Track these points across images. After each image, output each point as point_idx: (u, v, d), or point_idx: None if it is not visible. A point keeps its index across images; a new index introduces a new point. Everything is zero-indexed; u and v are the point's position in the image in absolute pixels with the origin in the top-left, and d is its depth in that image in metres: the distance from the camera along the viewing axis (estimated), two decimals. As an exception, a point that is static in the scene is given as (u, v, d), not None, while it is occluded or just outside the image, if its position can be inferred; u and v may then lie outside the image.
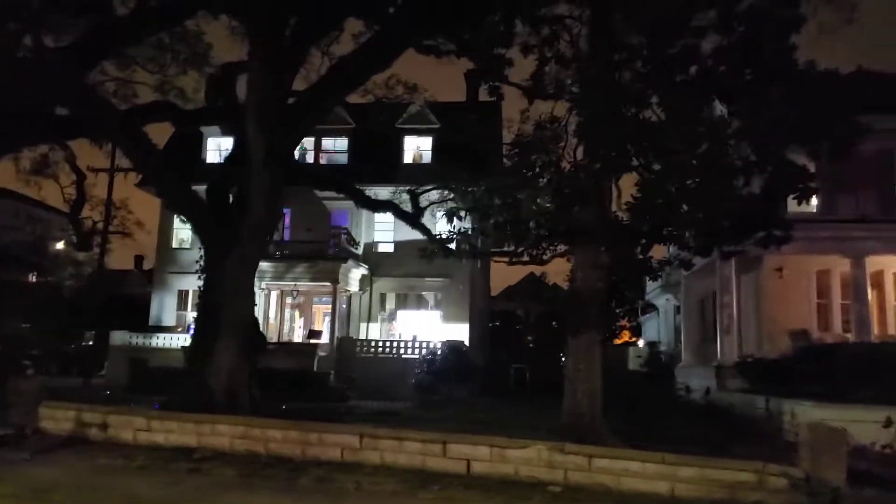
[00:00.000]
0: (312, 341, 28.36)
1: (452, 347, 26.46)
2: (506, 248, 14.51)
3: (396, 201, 25.03)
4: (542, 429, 13.27)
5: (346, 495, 9.30)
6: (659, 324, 34.57)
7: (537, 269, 58.61)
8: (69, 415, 13.41)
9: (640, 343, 43.50)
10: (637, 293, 52.74)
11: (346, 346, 29.04)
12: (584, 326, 12.33)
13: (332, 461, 11.07)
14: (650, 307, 38.25)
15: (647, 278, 35.14)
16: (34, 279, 38.40)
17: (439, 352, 26.39)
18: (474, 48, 18.11)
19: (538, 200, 11.19)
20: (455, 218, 13.99)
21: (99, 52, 19.60)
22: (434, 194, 26.23)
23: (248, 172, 15.43)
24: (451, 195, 26.06)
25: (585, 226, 11.93)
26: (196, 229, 16.28)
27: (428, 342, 27.81)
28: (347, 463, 10.95)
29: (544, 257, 13.76)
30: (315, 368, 26.35)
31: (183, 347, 27.97)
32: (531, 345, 49.24)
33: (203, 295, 16.09)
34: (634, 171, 12.17)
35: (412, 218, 24.54)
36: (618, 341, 55.18)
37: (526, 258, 14.03)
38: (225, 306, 15.10)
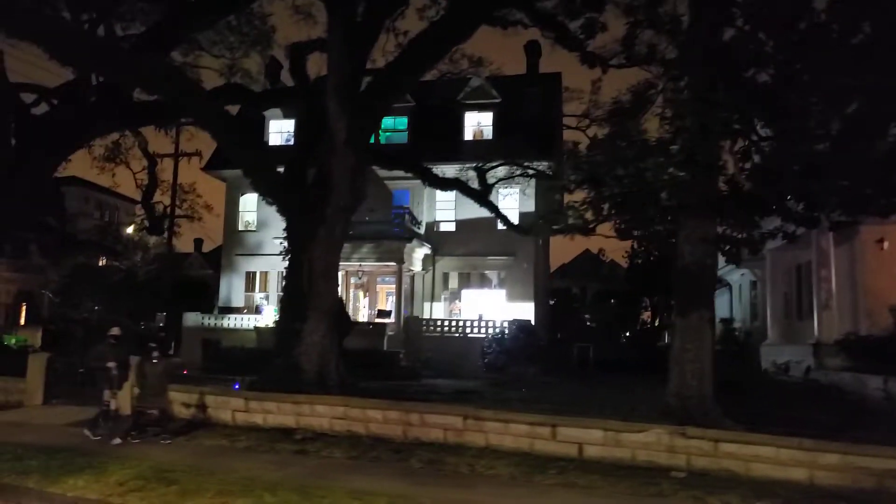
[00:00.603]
0: (381, 321, 28.20)
1: (521, 326, 25.98)
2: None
3: (463, 179, 24.52)
4: (639, 410, 12.79)
5: (462, 478, 8.98)
6: (732, 300, 33.49)
7: (594, 246, 57.77)
8: (169, 395, 13.37)
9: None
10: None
11: (412, 325, 28.82)
12: (692, 304, 11.75)
13: (435, 442, 10.78)
14: (719, 283, 37.15)
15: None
16: (104, 263, 39.08)
17: (507, 331, 25.93)
18: (552, 14, 17.51)
19: (670, 169, 10.56)
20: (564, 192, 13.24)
21: (173, 38, 19.55)
22: (501, 170, 25.74)
23: (330, 153, 15.12)
24: (519, 171, 25.74)
25: (709, 196, 11.29)
26: (281, 212, 16.01)
27: (494, 321, 27.38)
28: (450, 445, 10.65)
29: (658, 228, 13.01)
30: (385, 347, 26.19)
31: (256, 328, 28.23)
32: (588, 323, 48.49)
33: (288, 277, 15.91)
34: (748, 138, 11.45)
35: (480, 195, 24.07)
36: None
37: (640, 232, 13.39)
38: (312, 288, 14.89)
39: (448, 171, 26.53)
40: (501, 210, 30.15)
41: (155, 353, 11.67)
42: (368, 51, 16.47)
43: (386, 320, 27.96)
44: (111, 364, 11.76)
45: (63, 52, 15.71)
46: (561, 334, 32.59)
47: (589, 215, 12.59)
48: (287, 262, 16.39)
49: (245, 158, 16.29)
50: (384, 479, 8.84)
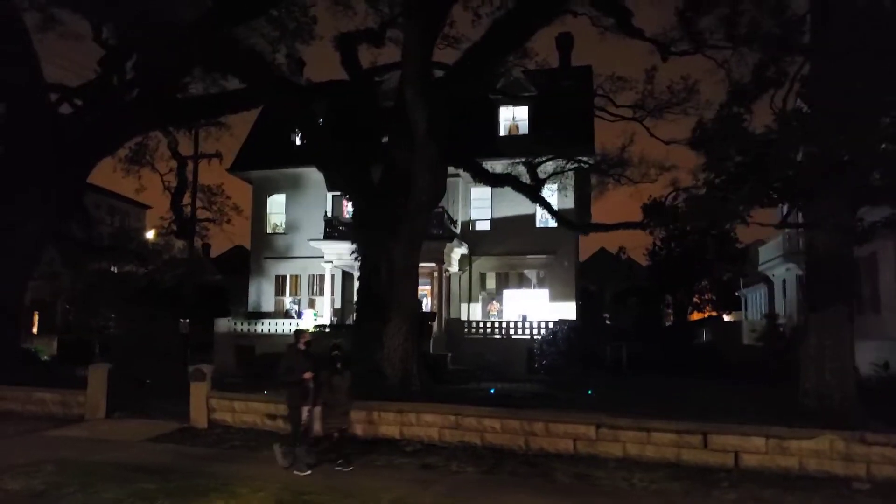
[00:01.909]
0: (428, 323, 27.22)
1: (573, 327, 25.06)
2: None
3: (515, 174, 23.60)
4: (749, 411, 11.90)
5: (626, 495, 8.05)
6: (773, 295, 32.62)
7: (610, 245, 57.01)
8: (250, 406, 12.46)
9: (742, 318, 41.72)
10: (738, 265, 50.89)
11: (453, 327, 27.89)
12: (830, 298, 10.87)
13: (563, 454, 9.86)
14: (758, 279, 36.39)
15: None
16: (123, 269, 37.98)
17: (558, 332, 24.99)
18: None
19: (883, 146, 9.65)
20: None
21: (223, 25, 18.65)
22: (549, 165, 24.81)
23: (408, 146, 14.21)
24: (572, 165, 24.84)
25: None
26: (360, 208, 15.02)
27: (538, 322, 26.44)
28: (582, 456, 9.73)
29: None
30: (431, 350, 25.23)
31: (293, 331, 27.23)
32: (608, 322, 47.70)
33: (363, 277, 14.96)
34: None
35: (533, 191, 23.14)
36: (698, 316, 53.45)
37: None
38: (393, 288, 13.98)
39: (498, 166, 25.64)
40: (539, 209, 29.44)
41: (339, 364, 10.03)
42: (436, 39, 15.56)
43: (431, 323, 26.96)
44: (307, 376, 9.74)
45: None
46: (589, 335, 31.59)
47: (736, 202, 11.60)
48: (360, 263, 15.45)
49: (329, 152, 15.26)
50: (538, 497, 7.92)
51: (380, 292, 14.17)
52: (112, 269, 40.77)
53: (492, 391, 16.74)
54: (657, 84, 23.26)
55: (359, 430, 11.36)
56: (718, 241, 50.17)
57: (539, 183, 23.55)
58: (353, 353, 14.97)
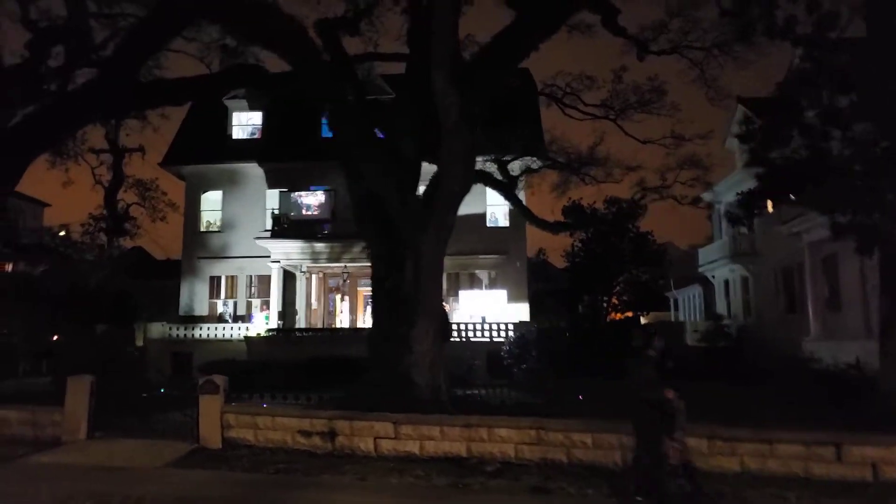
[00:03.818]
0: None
1: (541, 330, 24.29)
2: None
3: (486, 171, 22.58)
4: (769, 417, 11.38)
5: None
6: (714, 296, 33.15)
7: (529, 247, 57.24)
8: (278, 423, 10.78)
9: (672, 319, 42.45)
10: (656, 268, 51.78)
11: (411, 330, 26.54)
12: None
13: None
14: (691, 280, 37.05)
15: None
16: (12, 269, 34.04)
17: (525, 334, 24.10)
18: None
19: None
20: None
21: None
22: (515, 164, 24.01)
23: (435, 135, 12.92)
24: (543, 162, 24.13)
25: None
26: (388, 203, 13.37)
27: (499, 324, 25.48)
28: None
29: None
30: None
31: (247, 338, 25.06)
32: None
33: (382, 278, 13.40)
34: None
35: (506, 189, 22.25)
36: (616, 317, 54.33)
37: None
38: (419, 288, 12.60)
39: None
40: (489, 208, 28.66)
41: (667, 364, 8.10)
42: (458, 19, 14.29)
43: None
44: (672, 395, 7.52)
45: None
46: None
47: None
48: (373, 261, 13.92)
49: (358, 137, 13.61)
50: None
51: (401, 292, 12.75)
52: (6, 268, 36.65)
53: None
54: (624, 85, 23.15)
55: (413, 448, 9.99)
56: (636, 242, 51.42)
57: (512, 180, 22.73)
58: (372, 359, 13.54)
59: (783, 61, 24.62)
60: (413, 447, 9.97)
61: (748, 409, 12.53)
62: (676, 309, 42.64)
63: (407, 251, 12.79)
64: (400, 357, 12.44)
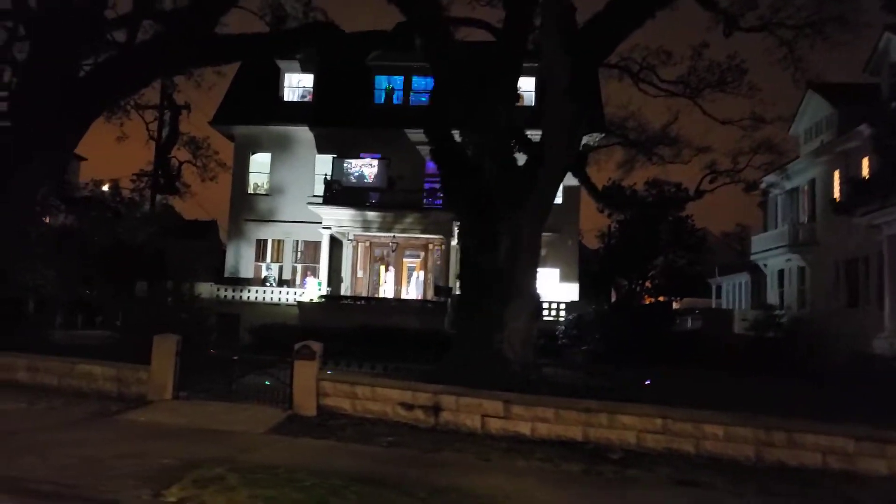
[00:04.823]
0: (440, 299, 25.29)
1: (600, 312, 23.70)
2: None
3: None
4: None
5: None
6: (766, 287, 32.41)
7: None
8: (377, 393, 10.38)
9: (713, 306, 41.75)
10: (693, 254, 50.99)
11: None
12: None
13: (806, 468, 8.39)
14: (742, 268, 36.31)
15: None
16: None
17: (584, 315, 23.50)
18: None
19: None
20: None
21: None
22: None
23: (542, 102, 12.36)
24: (610, 139, 23.46)
25: None
26: (485, 175, 12.78)
27: (551, 303, 24.87)
28: (834, 472, 8.29)
29: None
30: (447, 328, 23.40)
31: (299, 303, 24.72)
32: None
33: (469, 251, 12.90)
34: None
35: (576, 166, 21.62)
36: (648, 301, 53.65)
37: None
38: (516, 264, 12.10)
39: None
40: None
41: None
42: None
43: (445, 298, 25.07)
44: None
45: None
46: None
47: None
48: (462, 235, 13.45)
49: (477, 106, 12.99)
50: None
51: (496, 269, 12.24)
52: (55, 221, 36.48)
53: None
54: (705, 62, 22.33)
55: (524, 429, 9.56)
56: (674, 227, 50.63)
57: (581, 158, 22.11)
58: (460, 335, 13.12)
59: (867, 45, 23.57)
60: (524, 428, 9.54)
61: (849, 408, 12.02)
62: (718, 296, 41.91)
63: (502, 227, 12.26)
64: (491, 334, 11.99)
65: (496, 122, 12.77)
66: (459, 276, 13.99)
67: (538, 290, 13.32)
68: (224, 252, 51.46)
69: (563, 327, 23.17)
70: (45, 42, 15.46)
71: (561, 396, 10.17)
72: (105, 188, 34.67)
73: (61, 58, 15.46)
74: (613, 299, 49.19)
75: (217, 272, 35.10)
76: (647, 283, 53.93)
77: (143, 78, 17.42)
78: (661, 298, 53.08)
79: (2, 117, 16.06)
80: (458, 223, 13.73)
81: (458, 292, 26.35)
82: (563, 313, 24.17)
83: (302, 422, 10.15)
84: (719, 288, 41.87)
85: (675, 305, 52.39)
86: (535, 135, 15.86)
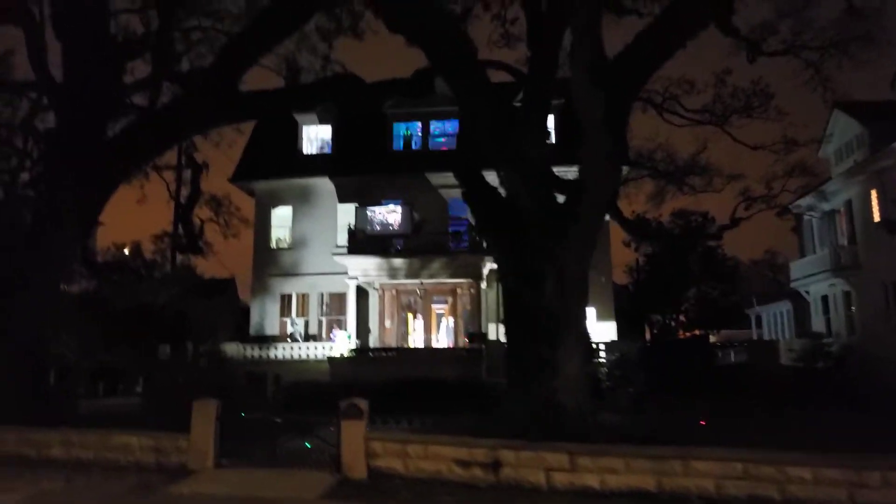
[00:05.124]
0: (474, 346, 24.85)
1: (641, 349, 23.17)
2: None
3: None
4: None
5: None
6: (807, 313, 31.69)
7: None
8: (430, 451, 9.93)
9: (753, 337, 40.84)
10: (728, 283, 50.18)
11: (494, 350, 25.51)
12: None
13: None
14: (782, 296, 35.55)
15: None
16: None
17: (622, 355, 22.94)
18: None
19: None
20: None
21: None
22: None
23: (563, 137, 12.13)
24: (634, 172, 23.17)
25: None
26: (524, 211, 12.48)
27: (596, 343, 24.36)
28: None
29: None
30: (484, 377, 22.92)
31: (329, 359, 24.37)
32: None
33: (511, 290, 12.55)
34: None
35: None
36: (684, 334, 52.70)
37: None
38: (564, 302, 11.72)
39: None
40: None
41: None
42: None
43: (479, 345, 24.64)
44: None
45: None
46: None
47: None
48: (503, 274, 13.11)
49: (510, 148, 12.78)
50: None
51: (542, 310, 11.86)
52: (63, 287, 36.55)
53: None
54: (728, 88, 22.19)
55: (592, 481, 9.03)
56: (704, 257, 49.95)
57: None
58: (510, 383, 12.68)
59: (890, 62, 23.35)
60: (592, 481, 9.03)
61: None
62: (759, 326, 41.01)
63: (546, 263, 11.91)
64: (542, 380, 11.54)
65: (530, 156, 12.54)
66: (504, 321, 13.59)
67: (588, 330, 12.84)
68: (244, 309, 51.50)
69: (605, 369, 22.57)
70: (68, 110, 15.55)
71: (623, 444, 9.72)
72: (126, 251, 34.94)
73: (84, 125, 15.51)
74: (648, 336, 48.47)
75: (238, 330, 34.95)
76: (681, 317, 53.08)
77: (166, 140, 17.45)
78: (696, 332, 52.14)
79: (27, 186, 16.08)
80: (497, 264, 13.38)
81: (493, 338, 26.17)
82: (602, 353, 23.60)
83: (353, 485, 9.72)
84: (759, 318, 40.98)
85: (711, 338, 51.57)
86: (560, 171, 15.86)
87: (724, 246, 49.66)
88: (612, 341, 24.86)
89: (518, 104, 15.45)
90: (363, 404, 10.60)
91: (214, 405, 11.32)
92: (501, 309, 27.81)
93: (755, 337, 40.50)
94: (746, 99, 21.71)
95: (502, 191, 13.50)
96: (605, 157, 11.88)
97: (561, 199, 12.68)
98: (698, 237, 41.01)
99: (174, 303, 30.05)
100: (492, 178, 13.80)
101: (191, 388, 22.46)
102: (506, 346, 13.12)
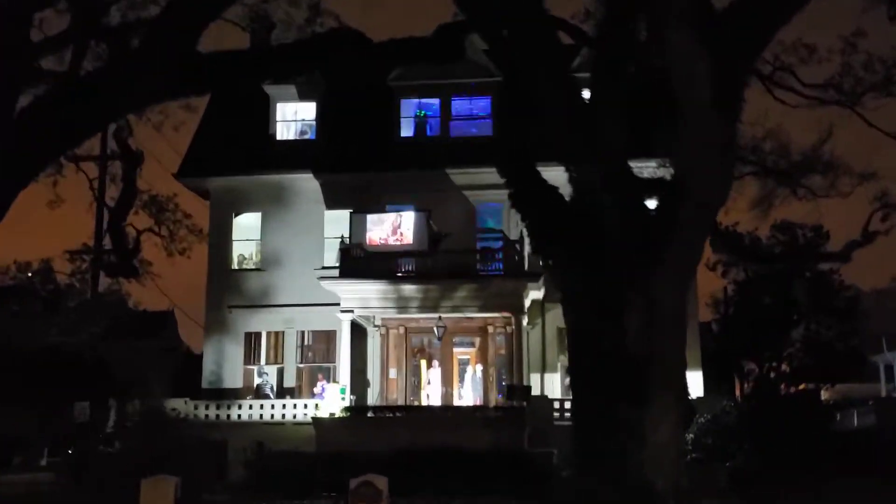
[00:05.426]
0: (513, 403, 24.78)
1: (745, 412, 23.20)
2: None
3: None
4: None
5: None
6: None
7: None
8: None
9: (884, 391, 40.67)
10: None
11: (540, 408, 25.44)
12: None
13: None
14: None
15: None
16: None
17: (714, 417, 22.94)
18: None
19: None
20: None
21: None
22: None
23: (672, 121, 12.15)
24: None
25: None
26: (618, 216, 12.52)
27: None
28: None
29: None
30: (526, 446, 22.91)
31: (315, 420, 24.38)
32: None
33: (588, 327, 12.52)
34: None
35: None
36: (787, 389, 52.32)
37: None
38: (654, 350, 11.68)
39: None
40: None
41: None
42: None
43: (521, 402, 24.60)
44: None
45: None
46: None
47: None
48: (568, 309, 13.10)
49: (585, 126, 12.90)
50: None
51: (625, 353, 11.83)
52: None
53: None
54: (858, 56, 22.26)
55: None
56: (815, 286, 49.67)
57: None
58: (580, 454, 12.66)
59: None
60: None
61: None
62: (891, 379, 40.94)
63: (633, 293, 11.87)
64: (625, 450, 11.48)
65: (613, 146, 12.58)
66: (569, 370, 13.66)
67: (688, 384, 12.82)
68: (186, 353, 51.51)
69: (691, 434, 22.56)
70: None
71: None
72: (31, 273, 35.02)
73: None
74: (738, 390, 48.32)
75: (179, 382, 34.93)
76: (784, 366, 52.77)
77: (91, 119, 17.44)
78: (801, 387, 51.82)
79: None
80: (562, 293, 13.37)
81: (538, 392, 26.21)
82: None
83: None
84: (890, 368, 40.91)
85: (823, 394, 51.29)
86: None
87: (841, 272, 49.32)
88: (700, 398, 24.78)
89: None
90: (381, 482, 10.59)
91: (172, 483, 11.35)
92: (554, 353, 28.34)
93: (884, 393, 40.46)
94: (886, 71, 21.81)
95: (564, 192, 13.56)
96: (717, 149, 11.88)
97: (651, 204, 12.69)
98: (811, 258, 40.90)
99: (95, 344, 30.13)
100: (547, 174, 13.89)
101: (127, 459, 22.69)
102: (567, 403, 13.13)
